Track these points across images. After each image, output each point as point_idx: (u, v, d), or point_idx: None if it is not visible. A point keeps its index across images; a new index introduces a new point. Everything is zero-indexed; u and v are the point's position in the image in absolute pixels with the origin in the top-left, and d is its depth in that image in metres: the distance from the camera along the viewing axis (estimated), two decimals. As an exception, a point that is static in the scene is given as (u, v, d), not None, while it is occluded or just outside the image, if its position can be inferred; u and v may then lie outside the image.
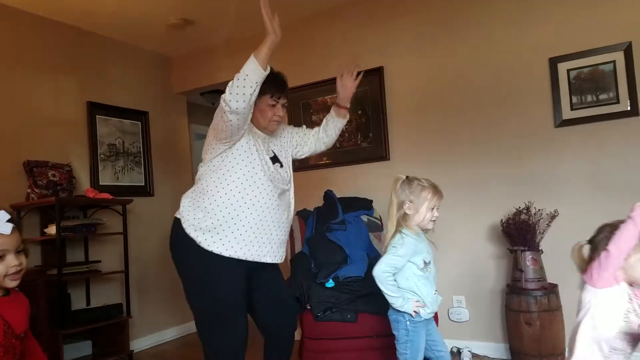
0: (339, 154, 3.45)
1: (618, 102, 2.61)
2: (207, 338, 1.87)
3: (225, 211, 1.84)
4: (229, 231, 1.83)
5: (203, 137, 7.34)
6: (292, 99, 3.65)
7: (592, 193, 2.66)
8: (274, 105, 1.97)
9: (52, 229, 2.90)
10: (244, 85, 1.69)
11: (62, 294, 2.94)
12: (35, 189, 2.96)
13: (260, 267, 1.95)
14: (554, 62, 2.76)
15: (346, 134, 3.44)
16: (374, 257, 2.74)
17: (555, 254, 2.62)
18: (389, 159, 3.27)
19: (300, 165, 3.60)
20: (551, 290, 2.53)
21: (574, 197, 2.71)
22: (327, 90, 3.51)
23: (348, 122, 3.37)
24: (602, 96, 2.65)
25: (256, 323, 2.06)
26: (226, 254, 1.82)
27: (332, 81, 3.42)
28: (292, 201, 2.10)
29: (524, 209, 2.66)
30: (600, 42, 2.65)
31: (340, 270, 2.53)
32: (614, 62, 2.62)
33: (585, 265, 1.38)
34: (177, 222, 1.90)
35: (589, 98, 2.69)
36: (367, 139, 3.37)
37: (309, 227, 2.88)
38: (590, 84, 2.68)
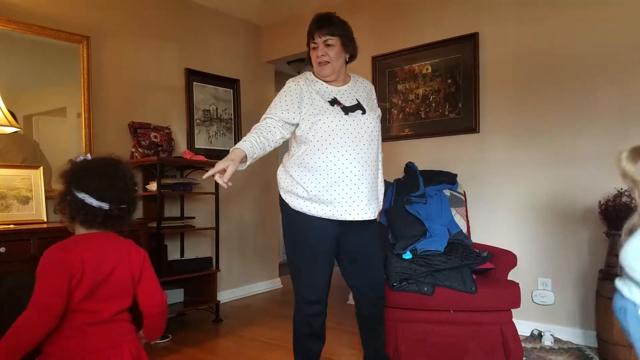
0: (424, 125, 3.36)
1: None
2: (294, 285, 2.04)
3: (303, 173, 1.96)
4: (315, 192, 1.93)
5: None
6: (378, 67, 3.61)
7: None
8: (315, 48, 1.99)
9: (153, 186, 3.19)
10: None
11: (160, 245, 3.24)
12: (139, 149, 3.24)
13: (352, 225, 2.00)
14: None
15: (433, 104, 3.34)
16: (456, 233, 2.69)
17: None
18: (478, 132, 3.14)
19: (382, 135, 3.58)
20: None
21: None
22: (414, 58, 3.41)
23: (435, 91, 3.34)
24: None
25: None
26: (310, 213, 1.94)
27: (421, 48, 3.36)
28: (380, 155, 2.13)
29: (626, 190, 2.44)
30: None
31: (419, 244, 2.51)
32: None
33: None
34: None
35: None
36: (455, 110, 3.25)
37: (387, 198, 2.88)
38: None
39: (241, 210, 4.16)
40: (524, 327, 2.84)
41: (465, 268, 2.37)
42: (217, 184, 3.51)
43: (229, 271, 3.98)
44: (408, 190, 2.85)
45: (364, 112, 2.01)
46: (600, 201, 2.57)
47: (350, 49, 2.04)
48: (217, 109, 3.98)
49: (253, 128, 2.01)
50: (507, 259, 2.51)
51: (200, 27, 3.89)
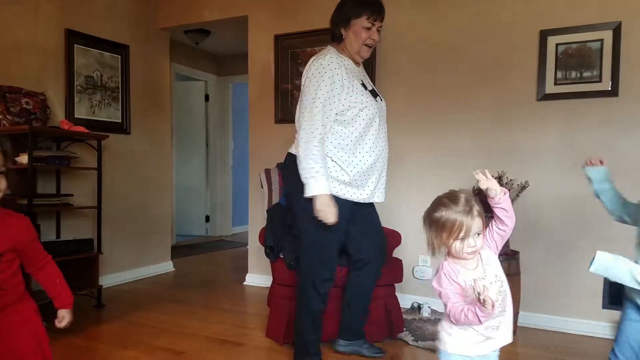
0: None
1: (600, 80, 2.65)
2: (308, 269, 2.03)
3: (347, 156, 1.96)
4: (356, 176, 1.97)
5: (184, 77, 7.16)
6: (281, 46, 3.58)
7: (563, 168, 2.74)
8: (369, 28, 1.97)
9: (23, 158, 2.84)
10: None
11: (32, 225, 2.91)
12: (8, 116, 2.86)
13: (363, 205, 2.10)
14: (544, 35, 2.76)
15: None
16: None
17: (521, 223, 2.71)
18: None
19: (283, 118, 3.58)
20: (512, 256, 2.66)
21: (546, 170, 2.79)
22: (316, 40, 3.43)
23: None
24: (586, 74, 2.69)
25: (349, 254, 2.21)
26: (344, 197, 1.97)
27: (324, 32, 3.38)
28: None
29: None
30: (591, 19, 2.65)
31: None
32: (602, 40, 2.63)
33: None
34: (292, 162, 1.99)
35: (573, 74, 2.72)
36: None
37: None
38: (577, 60, 2.71)
39: (129, 189, 3.88)
40: (405, 300, 3.06)
41: (356, 247, 2.48)
42: (100, 159, 3.23)
43: (113, 254, 3.71)
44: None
45: (381, 99, 2.09)
46: (474, 187, 2.85)
47: None
48: (102, 75, 3.63)
49: (317, 145, 1.87)
50: (393, 238, 2.68)
51: (85, -16, 3.50)
